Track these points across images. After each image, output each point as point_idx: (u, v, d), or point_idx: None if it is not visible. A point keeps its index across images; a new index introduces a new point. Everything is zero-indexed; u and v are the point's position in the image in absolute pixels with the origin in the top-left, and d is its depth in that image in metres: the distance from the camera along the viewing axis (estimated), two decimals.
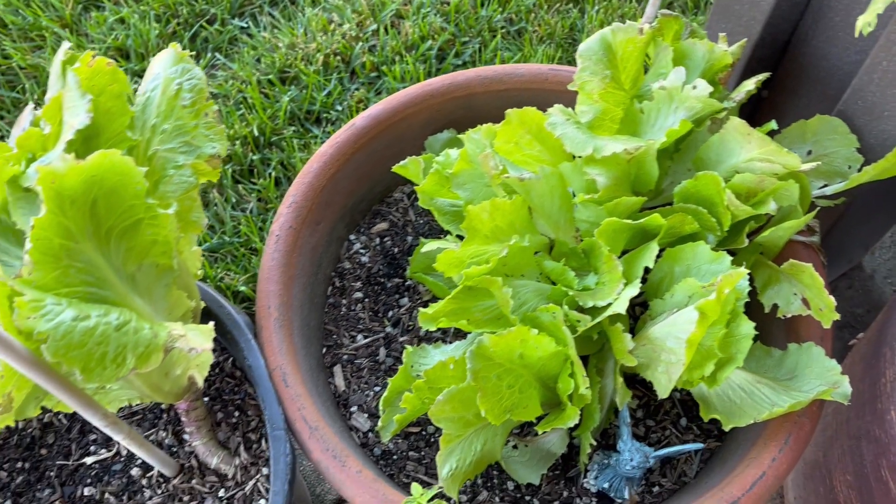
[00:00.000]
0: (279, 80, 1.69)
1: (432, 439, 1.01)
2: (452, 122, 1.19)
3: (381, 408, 0.92)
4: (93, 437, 0.98)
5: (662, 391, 0.83)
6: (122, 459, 0.96)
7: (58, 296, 0.66)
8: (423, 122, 1.18)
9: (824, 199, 0.99)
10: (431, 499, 0.81)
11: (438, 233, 1.20)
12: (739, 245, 0.91)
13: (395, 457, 1.00)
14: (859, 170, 0.96)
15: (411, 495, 0.82)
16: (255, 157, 1.57)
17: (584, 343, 0.91)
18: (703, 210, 0.88)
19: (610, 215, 0.90)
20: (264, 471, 0.93)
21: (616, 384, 0.89)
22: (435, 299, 1.12)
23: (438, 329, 1.09)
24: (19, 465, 0.96)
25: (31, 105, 0.80)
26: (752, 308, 0.88)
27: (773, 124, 0.95)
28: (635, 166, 0.93)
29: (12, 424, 0.96)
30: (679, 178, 0.98)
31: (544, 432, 0.94)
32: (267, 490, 0.91)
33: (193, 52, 1.76)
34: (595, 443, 0.92)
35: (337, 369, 1.07)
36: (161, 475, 0.94)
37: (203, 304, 0.92)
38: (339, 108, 1.66)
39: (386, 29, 1.77)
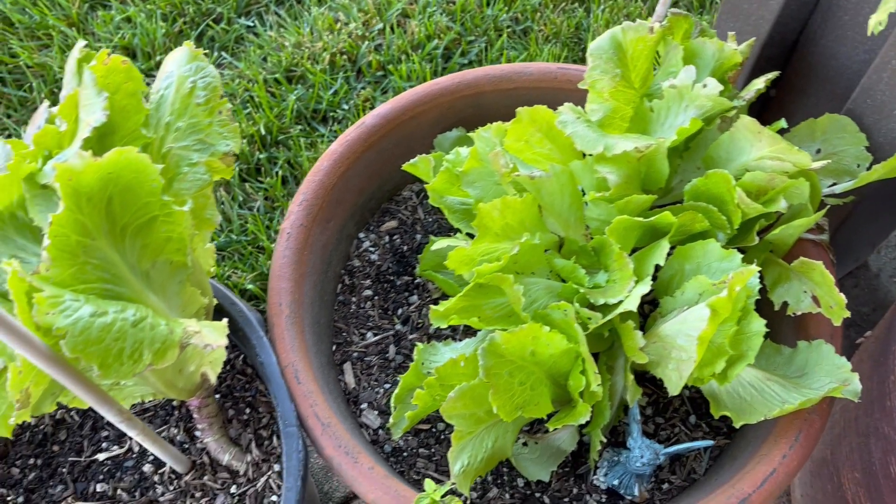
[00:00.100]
0: (285, 78, 1.69)
1: (442, 436, 1.01)
2: (461, 121, 1.20)
3: (392, 404, 0.92)
4: (104, 433, 0.99)
5: (673, 388, 0.83)
6: (134, 456, 0.96)
7: (75, 292, 0.67)
8: (433, 120, 1.18)
9: (833, 198, 1.00)
10: (444, 495, 0.81)
11: (447, 231, 1.20)
12: (750, 243, 0.91)
13: (405, 454, 1.00)
14: (868, 168, 0.96)
15: (423, 492, 0.82)
16: (261, 156, 1.57)
17: (595, 340, 0.92)
18: (713, 208, 0.89)
19: (621, 213, 0.90)
20: (276, 467, 0.93)
21: (627, 381, 0.90)
22: (444, 297, 1.12)
23: (448, 327, 1.10)
24: (31, 461, 0.97)
25: (45, 103, 0.81)
26: (761, 306, 0.88)
27: (782, 123, 0.95)
28: (645, 164, 0.93)
29: (29, 420, 0.96)
30: (688, 176, 0.98)
31: (555, 429, 0.95)
32: (278, 486, 0.92)
33: None
34: (605, 440, 0.92)
35: (347, 366, 1.08)
36: (173, 471, 0.94)
37: (216, 302, 0.92)
38: (346, 106, 1.66)
39: (392, 28, 1.77)
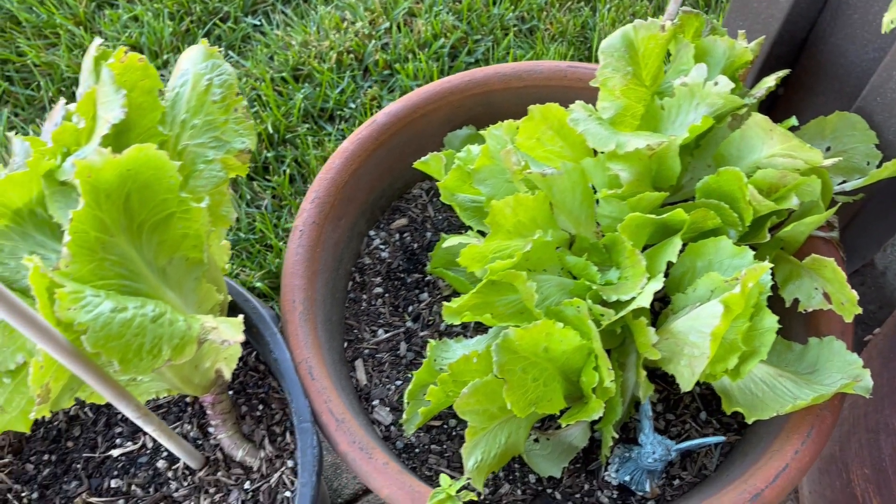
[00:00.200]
0: (293, 77, 1.70)
1: (454, 433, 1.02)
2: (471, 119, 1.20)
3: (405, 400, 0.93)
4: (118, 430, 0.99)
5: (685, 384, 0.83)
6: (148, 452, 0.97)
7: (94, 288, 0.67)
8: (443, 118, 1.19)
9: (843, 195, 1.00)
10: (458, 491, 0.82)
11: (457, 228, 1.21)
12: (761, 240, 0.92)
13: (417, 450, 1.00)
14: (878, 166, 0.96)
15: (436, 487, 0.83)
16: (269, 155, 1.57)
17: (606, 337, 0.92)
18: (725, 205, 0.89)
19: (633, 210, 0.90)
20: (289, 463, 0.94)
21: (638, 378, 0.90)
22: (454, 294, 1.13)
23: (459, 324, 1.10)
24: (46, 457, 0.97)
25: (62, 100, 0.81)
26: (772, 303, 0.89)
27: (793, 120, 0.96)
28: (657, 162, 0.94)
29: (48, 416, 0.97)
30: (699, 174, 0.98)
31: (567, 425, 0.95)
32: (291, 482, 0.92)
33: None
34: (616, 436, 0.92)
35: (358, 363, 1.08)
36: (187, 467, 0.95)
37: (230, 298, 0.93)
38: (353, 105, 1.66)
39: (399, 27, 1.78)
